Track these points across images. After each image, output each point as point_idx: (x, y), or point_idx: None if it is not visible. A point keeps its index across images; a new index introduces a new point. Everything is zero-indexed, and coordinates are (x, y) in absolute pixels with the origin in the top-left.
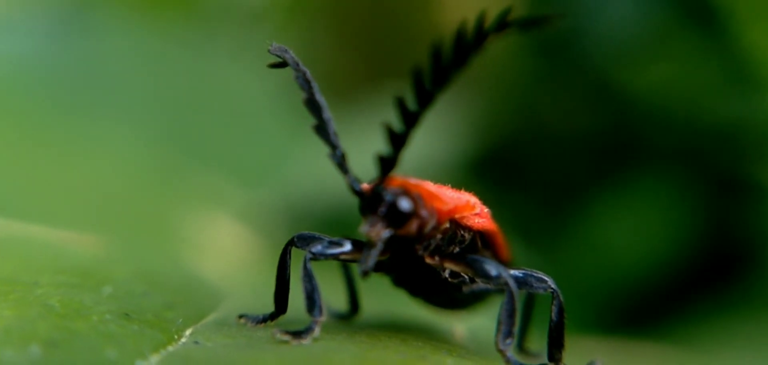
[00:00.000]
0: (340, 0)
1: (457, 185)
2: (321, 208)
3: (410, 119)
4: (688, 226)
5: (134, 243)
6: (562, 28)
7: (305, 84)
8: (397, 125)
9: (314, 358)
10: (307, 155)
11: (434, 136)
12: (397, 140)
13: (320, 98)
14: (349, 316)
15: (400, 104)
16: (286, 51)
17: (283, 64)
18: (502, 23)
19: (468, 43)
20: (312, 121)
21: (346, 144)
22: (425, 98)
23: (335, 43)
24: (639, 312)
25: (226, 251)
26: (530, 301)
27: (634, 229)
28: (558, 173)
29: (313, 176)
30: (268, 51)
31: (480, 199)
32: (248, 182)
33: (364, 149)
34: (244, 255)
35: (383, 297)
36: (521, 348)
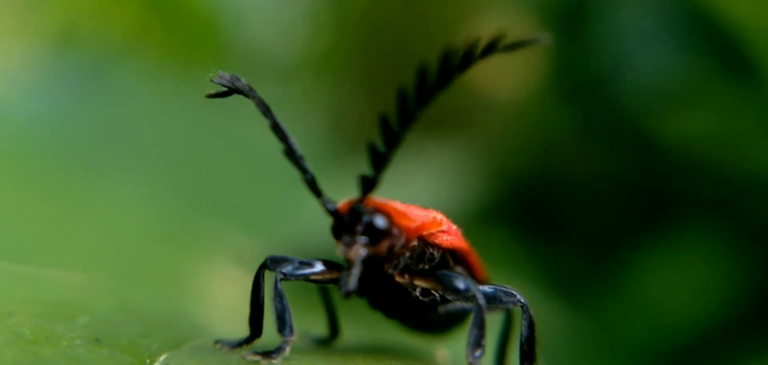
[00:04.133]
0: (366, 55)
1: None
2: (332, 253)
3: (392, 139)
4: (734, 278)
5: (136, 286)
6: (592, 74)
7: (266, 110)
8: (380, 145)
9: None
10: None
11: (456, 183)
12: (379, 160)
13: (282, 124)
14: (329, 340)
15: (384, 124)
16: (237, 79)
17: (225, 94)
18: (491, 46)
19: (454, 66)
20: (281, 147)
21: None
22: (407, 118)
23: (362, 98)
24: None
25: (236, 299)
26: (509, 322)
27: (678, 282)
28: (596, 224)
29: (324, 223)
30: (211, 80)
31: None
32: (260, 232)
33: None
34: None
35: (367, 324)
36: None
